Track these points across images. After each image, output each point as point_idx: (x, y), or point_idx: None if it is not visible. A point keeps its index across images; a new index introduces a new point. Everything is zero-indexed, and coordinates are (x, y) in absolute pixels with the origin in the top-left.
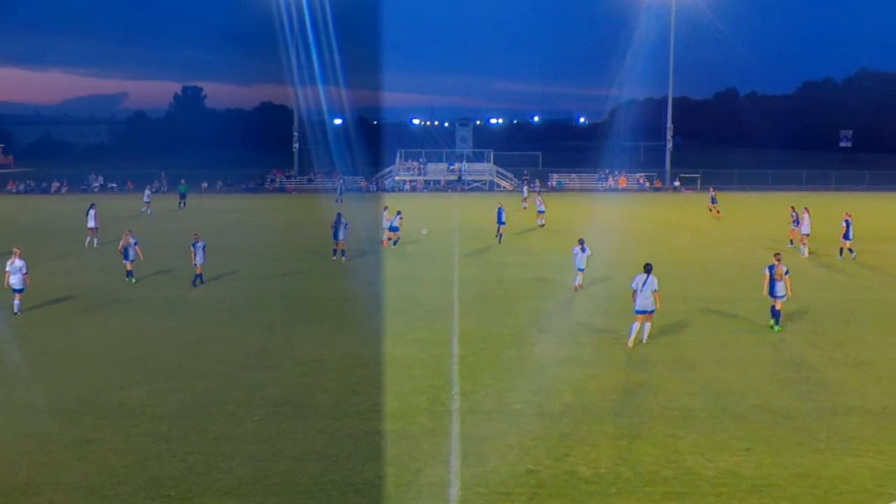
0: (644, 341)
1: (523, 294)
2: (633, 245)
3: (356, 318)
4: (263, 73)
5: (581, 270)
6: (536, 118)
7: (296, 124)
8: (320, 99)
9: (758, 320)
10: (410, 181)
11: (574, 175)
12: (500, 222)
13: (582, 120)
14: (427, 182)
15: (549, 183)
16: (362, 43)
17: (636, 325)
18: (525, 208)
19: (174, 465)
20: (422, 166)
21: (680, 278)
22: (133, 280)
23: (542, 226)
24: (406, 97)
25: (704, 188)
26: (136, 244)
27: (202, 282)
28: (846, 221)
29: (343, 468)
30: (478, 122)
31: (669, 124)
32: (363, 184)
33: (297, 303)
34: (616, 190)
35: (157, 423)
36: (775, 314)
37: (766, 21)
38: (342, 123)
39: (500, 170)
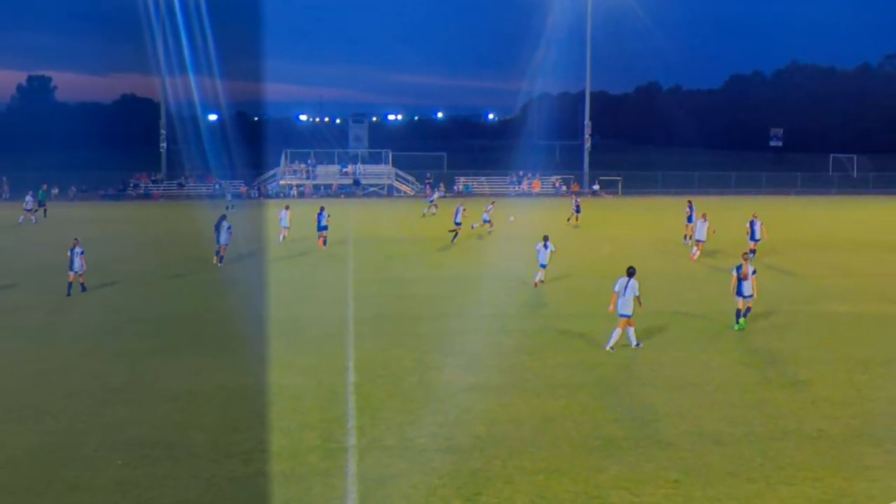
0: (633, 346)
1: (427, 313)
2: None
3: (237, 343)
4: (124, 61)
5: (543, 266)
6: (440, 114)
7: (163, 120)
8: (191, 91)
9: (685, 337)
10: (297, 186)
11: (483, 178)
12: (456, 222)
13: (491, 116)
14: (317, 186)
15: (455, 187)
16: (240, 27)
17: (618, 331)
18: (434, 213)
19: None
20: (310, 169)
21: (602, 292)
22: None
23: (491, 232)
24: (292, 90)
25: (627, 192)
26: None
27: (83, 289)
28: (751, 222)
29: None
30: (374, 119)
31: (587, 121)
32: (243, 189)
33: (167, 326)
34: (530, 194)
35: None
36: (740, 314)
37: (689, 9)
38: (218, 119)
39: (400, 172)
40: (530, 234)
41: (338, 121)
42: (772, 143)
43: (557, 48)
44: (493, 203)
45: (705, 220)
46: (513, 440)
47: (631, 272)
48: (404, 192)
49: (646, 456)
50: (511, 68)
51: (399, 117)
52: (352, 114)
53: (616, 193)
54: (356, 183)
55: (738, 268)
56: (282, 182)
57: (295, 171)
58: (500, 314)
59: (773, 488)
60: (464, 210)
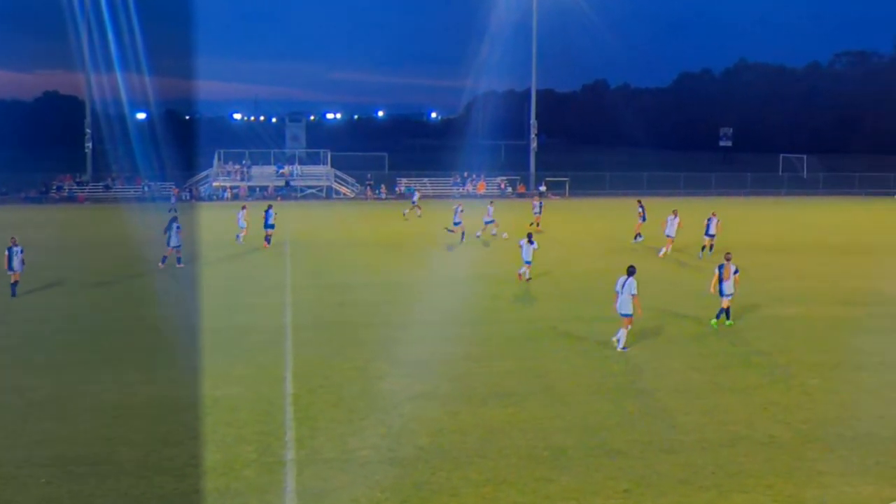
0: (620, 349)
1: (369, 320)
2: (498, 260)
3: (168, 353)
4: (47, 57)
5: (528, 263)
6: (381, 113)
7: (88, 119)
8: (118, 88)
9: (635, 343)
10: (232, 188)
11: (426, 179)
12: (455, 222)
13: (434, 115)
14: (252, 188)
15: (396, 188)
16: (171, 20)
17: (622, 330)
18: (419, 215)
19: None
20: (245, 170)
21: (552, 297)
22: None
23: (495, 235)
24: (226, 87)
25: (574, 193)
26: None
27: (13, 294)
28: (709, 219)
29: None
30: (312, 118)
31: (533, 120)
32: (174, 191)
33: (95, 336)
34: (474, 196)
35: None
36: (722, 311)
37: (638, 6)
38: (146, 118)
39: (339, 173)
40: (467, 241)
41: (274, 120)
42: (721, 143)
43: (503, 45)
44: (491, 203)
45: (676, 216)
46: (458, 451)
47: (631, 271)
48: (344, 194)
49: (595, 465)
50: (455, 66)
51: (338, 116)
52: (288, 112)
53: (563, 195)
54: (287, 185)
55: (721, 267)
56: (215, 184)
57: (228, 173)
58: (446, 320)
59: (725, 496)
60: (462, 210)
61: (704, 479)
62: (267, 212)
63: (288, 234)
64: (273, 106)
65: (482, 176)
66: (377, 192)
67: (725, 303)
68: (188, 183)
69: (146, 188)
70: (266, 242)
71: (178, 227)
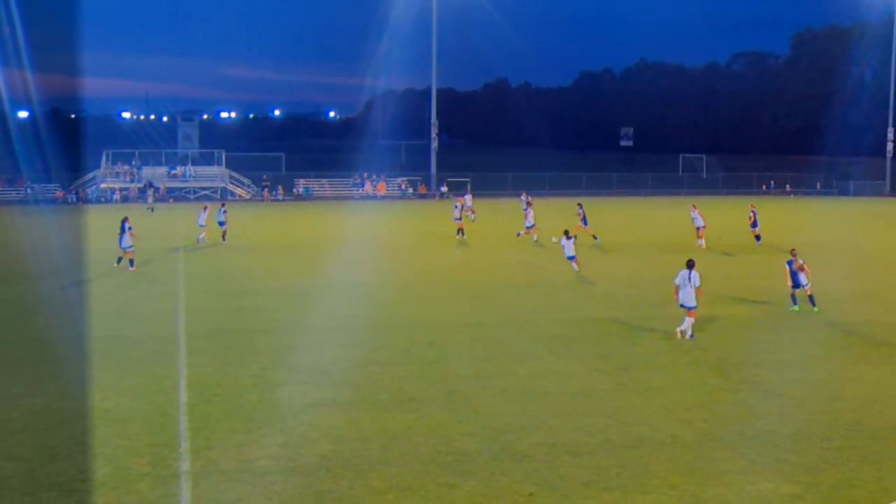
0: (689, 337)
1: (267, 326)
2: (401, 264)
3: (54, 364)
4: None
5: (572, 258)
6: (277, 112)
7: None
8: None
9: (538, 345)
10: (121, 189)
11: (325, 180)
12: (455, 219)
13: (332, 114)
14: (142, 190)
15: (294, 189)
16: (55, 14)
17: (688, 319)
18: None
19: None
20: (135, 171)
21: (452, 300)
22: None
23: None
24: (114, 84)
25: (477, 194)
26: None
27: None
28: (753, 212)
29: None
30: (205, 117)
31: (434, 119)
32: (59, 193)
33: None
34: (375, 197)
35: None
36: (795, 300)
37: (538, 4)
38: (29, 117)
39: (235, 174)
40: (371, 245)
41: (165, 118)
42: (622, 143)
43: (402, 42)
44: (530, 205)
45: (696, 209)
46: (360, 459)
47: (690, 264)
48: (239, 196)
49: (500, 469)
50: (353, 63)
51: (233, 115)
52: (181, 111)
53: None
54: (149, 185)
55: (790, 262)
56: (103, 185)
57: (117, 174)
58: (346, 326)
59: (629, 497)
60: (461, 208)
61: (609, 480)
62: (220, 210)
63: (181, 240)
64: (164, 104)
65: (382, 177)
66: (274, 193)
67: (799, 293)
68: (74, 184)
69: (29, 190)
70: (222, 239)
71: (129, 228)
